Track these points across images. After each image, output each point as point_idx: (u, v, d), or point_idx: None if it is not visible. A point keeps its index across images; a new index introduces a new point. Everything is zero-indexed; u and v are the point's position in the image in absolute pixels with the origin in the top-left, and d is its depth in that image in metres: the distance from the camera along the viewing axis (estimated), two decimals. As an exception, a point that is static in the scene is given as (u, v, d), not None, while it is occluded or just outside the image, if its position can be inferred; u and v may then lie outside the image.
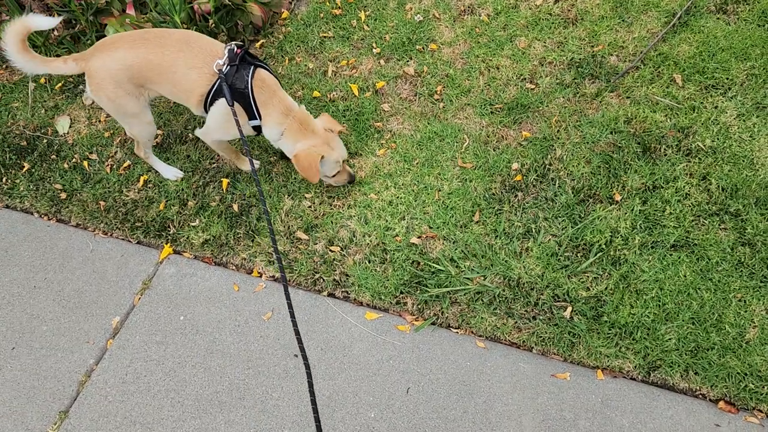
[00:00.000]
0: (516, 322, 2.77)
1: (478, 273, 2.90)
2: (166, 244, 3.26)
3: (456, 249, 2.99)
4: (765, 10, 3.42)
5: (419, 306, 2.89)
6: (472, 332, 2.81)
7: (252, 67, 2.80)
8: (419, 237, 3.05)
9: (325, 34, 3.94)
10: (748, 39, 3.33)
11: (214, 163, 3.49)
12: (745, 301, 2.65)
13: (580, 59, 3.51)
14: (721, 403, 2.49)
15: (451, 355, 2.77)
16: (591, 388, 2.61)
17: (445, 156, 3.30)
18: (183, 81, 2.83)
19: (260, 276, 3.11)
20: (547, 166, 3.17)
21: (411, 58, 3.73)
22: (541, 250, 2.91)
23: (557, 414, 2.56)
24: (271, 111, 2.87)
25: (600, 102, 3.34)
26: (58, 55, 3.88)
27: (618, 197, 3.00)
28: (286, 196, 3.30)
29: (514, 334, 2.76)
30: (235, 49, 2.78)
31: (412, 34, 3.82)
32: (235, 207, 3.30)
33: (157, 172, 3.46)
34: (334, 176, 3.10)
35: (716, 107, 3.17)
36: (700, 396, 2.54)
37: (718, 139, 3.07)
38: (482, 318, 2.80)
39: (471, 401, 2.63)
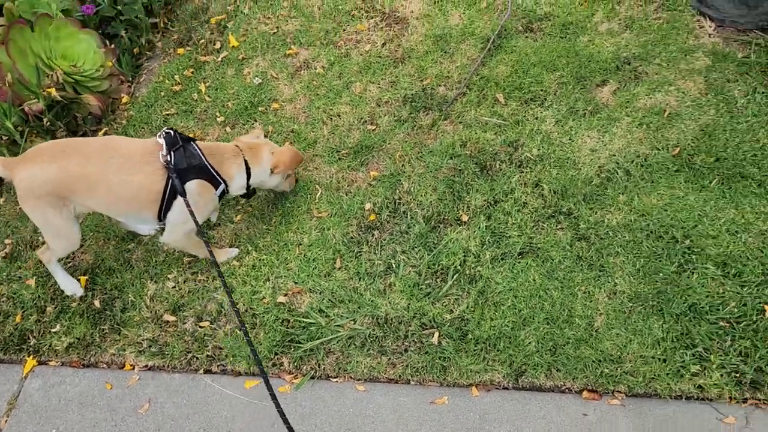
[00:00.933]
0: (390, 359, 2.84)
1: (347, 318, 2.95)
2: (29, 356, 3.10)
3: (323, 299, 3.03)
4: (564, 23, 3.77)
5: (296, 363, 2.89)
6: (351, 377, 2.85)
7: (191, 141, 2.85)
8: (285, 294, 3.07)
9: (168, 112, 3.95)
10: (554, 51, 3.65)
11: (69, 262, 3.38)
12: (589, 292, 2.84)
13: (412, 94, 3.70)
14: (585, 393, 2.64)
15: (334, 405, 2.78)
16: (469, 407, 2.69)
17: (300, 209, 3.37)
18: (122, 189, 2.76)
19: (133, 368, 3.02)
20: (398, 201, 3.30)
21: (256, 120, 3.80)
22: (404, 283, 3.01)
23: (440, 440, 2.62)
24: (228, 166, 2.95)
25: (436, 131, 3.53)
26: None
27: (465, 218, 3.17)
28: (149, 280, 3.24)
29: (390, 371, 2.82)
30: (171, 132, 2.80)
31: (254, 97, 3.90)
32: (97, 303, 3.20)
33: (5, 284, 3.31)
34: (288, 177, 3.25)
35: (537, 118, 3.43)
36: (566, 390, 2.68)
37: (542, 147, 3.32)
38: (357, 362, 2.84)
39: (358, 447, 2.65)
